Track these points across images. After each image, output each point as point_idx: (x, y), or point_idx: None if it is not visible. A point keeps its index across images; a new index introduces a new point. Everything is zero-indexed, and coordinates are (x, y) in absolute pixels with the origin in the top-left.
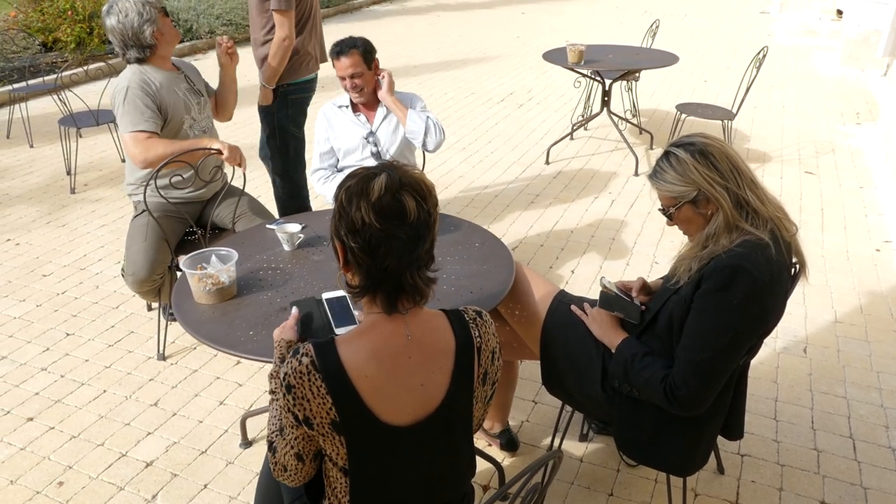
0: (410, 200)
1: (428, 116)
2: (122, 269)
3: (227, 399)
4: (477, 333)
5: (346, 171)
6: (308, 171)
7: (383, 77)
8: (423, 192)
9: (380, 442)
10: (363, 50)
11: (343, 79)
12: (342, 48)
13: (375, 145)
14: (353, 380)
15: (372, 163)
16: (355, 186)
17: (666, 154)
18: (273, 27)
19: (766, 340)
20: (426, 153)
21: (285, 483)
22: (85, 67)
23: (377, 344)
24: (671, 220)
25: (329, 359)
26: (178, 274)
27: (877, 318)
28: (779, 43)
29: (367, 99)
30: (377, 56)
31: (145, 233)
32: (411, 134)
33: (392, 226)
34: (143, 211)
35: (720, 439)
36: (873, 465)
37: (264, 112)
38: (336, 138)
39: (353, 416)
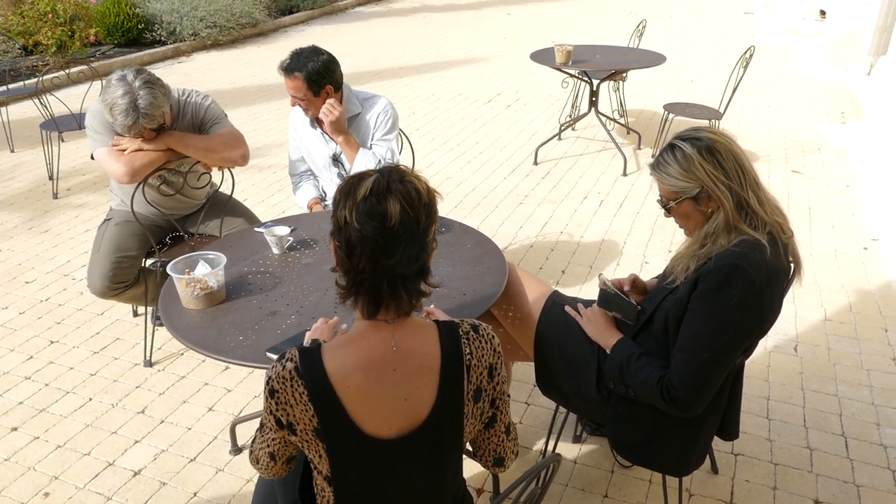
0: (395, 204)
1: (381, 160)
2: None
3: (216, 405)
4: (468, 350)
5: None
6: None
7: (325, 115)
8: (411, 198)
9: (362, 453)
10: (307, 77)
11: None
12: (287, 68)
13: (342, 167)
14: (337, 388)
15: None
16: (346, 186)
17: (671, 146)
18: None
19: None
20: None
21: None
22: (66, 71)
23: (363, 353)
24: (669, 212)
25: (313, 366)
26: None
27: (866, 316)
28: (763, 43)
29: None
30: (333, 80)
31: (99, 244)
32: None
33: (369, 227)
34: (105, 221)
35: (714, 439)
36: (865, 462)
37: None
38: (305, 151)
39: (335, 426)
